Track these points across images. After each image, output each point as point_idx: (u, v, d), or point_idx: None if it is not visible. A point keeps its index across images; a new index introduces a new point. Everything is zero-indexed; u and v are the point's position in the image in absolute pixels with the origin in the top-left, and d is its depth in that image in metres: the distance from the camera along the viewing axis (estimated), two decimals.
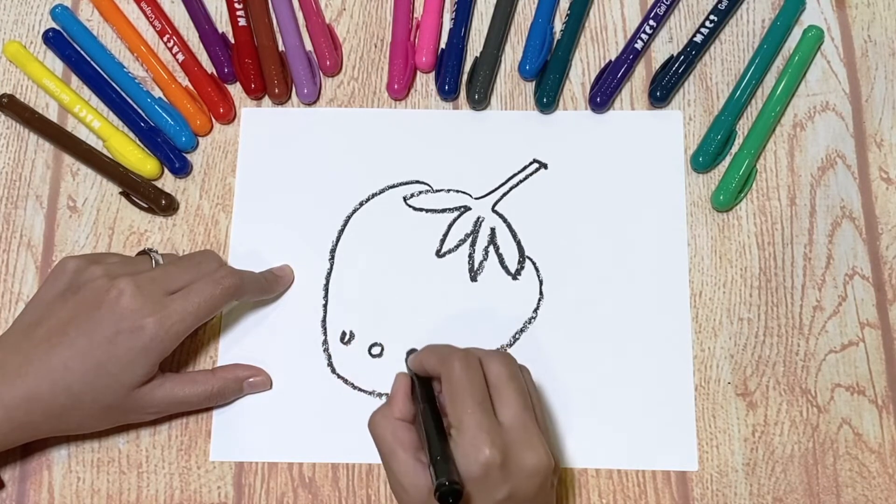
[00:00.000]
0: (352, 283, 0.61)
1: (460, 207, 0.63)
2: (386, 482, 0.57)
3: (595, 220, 0.62)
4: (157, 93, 0.65)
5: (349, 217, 0.63)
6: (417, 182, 0.63)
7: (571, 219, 0.62)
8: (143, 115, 0.64)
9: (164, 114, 0.64)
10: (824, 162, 0.63)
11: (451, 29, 0.66)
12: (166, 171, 0.64)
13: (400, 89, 0.65)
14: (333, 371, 0.59)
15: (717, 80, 0.65)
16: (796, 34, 0.66)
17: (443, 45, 0.66)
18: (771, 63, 0.65)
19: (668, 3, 0.66)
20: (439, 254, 0.62)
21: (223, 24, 0.67)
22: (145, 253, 0.58)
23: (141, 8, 0.67)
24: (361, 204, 0.63)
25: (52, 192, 0.63)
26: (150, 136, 0.64)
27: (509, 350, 0.59)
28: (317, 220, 0.62)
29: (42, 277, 0.61)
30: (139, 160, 0.63)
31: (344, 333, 0.60)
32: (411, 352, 0.57)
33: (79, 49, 0.66)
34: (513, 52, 0.66)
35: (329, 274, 0.61)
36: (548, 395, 0.58)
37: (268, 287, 0.59)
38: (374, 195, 0.63)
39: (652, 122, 0.64)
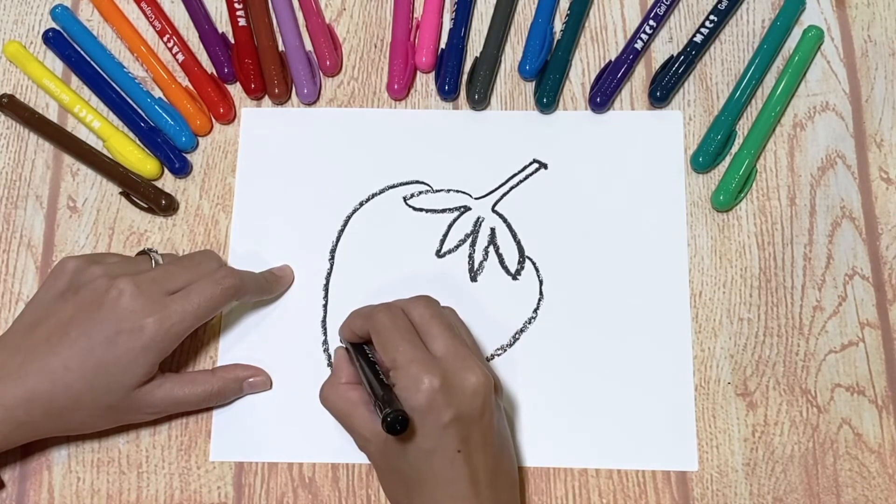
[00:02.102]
0: (352, 283, 0.61)
1: (460, 207, 0.63)
2: None
3: (595, 220, 0.62)
4: (157, 93, 0.65)
5: (349, 217, 0.63)
6: (417, 182, 0.63)
7: (571, 219, 0.62)
8: (143, 115, 0.64)
9: (164, 114, 0.64)
10: (824, 162, 0.63)
11: (451, 29, 0.66)
12: (166, 171, 0.64)
13: (400, 89, 0.65)
14: None
15: (717, 80, 0.65)
16: (796, 34, 0.66)
17: (443, 45, 0.66)
18: (771, 63, 0.65)
19: (668, 3, 0.66)
20: (439, 254, 0.62)
21: (223, 24, 0.67)
22: (145, 253, 0.58)
23: (141, 8, 0.67)
24: (361, 204, 0.63)
25: (52, 192, 0.63)
26: (150, 136, 0.64)
27: (509, 350, 0.59)
28: (317, 220, 0.62)
29: (42, 277, 0.61)
30: (139, 160, 0.63)
31: None
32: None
33: (79, 49, 0.66)
34: (513, 52, 0.66)
35: (329, 274, 0.61)
36: (548, 395, 0.58)
37: (268, 287, 0.59)
38: (374, 195, 0.63)
39: (652, 122, 0.64)
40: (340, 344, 0.58)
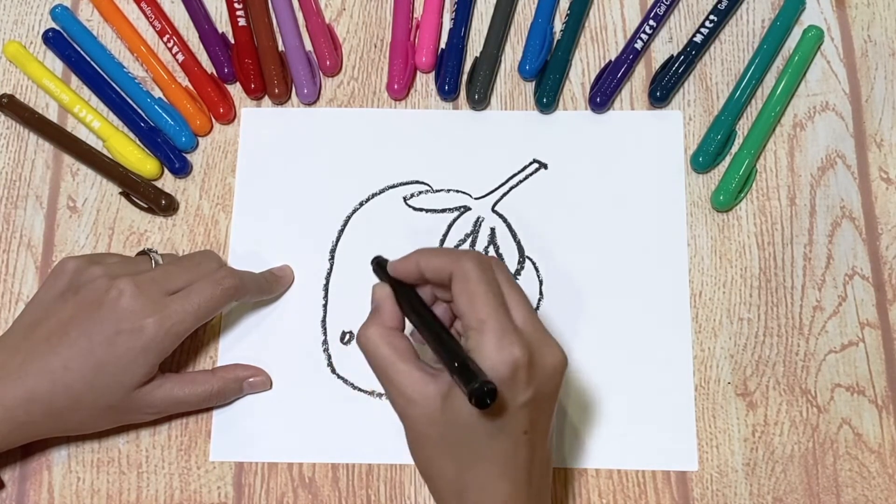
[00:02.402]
0: (352, 283, 0.61)
1: (460, 207, 0.63)
2: (386, 482, 0.57)
3: (595, 220, 0.62)
4: (157, 93, 0.65)
5: (349, 217, 0.63)
6: (417, 182, 0.63)
7: (571, 219, 0.62)
8: (143, 115, 0.64)
9: (164, 114, 0.64)
10: (824, 162, 0.63)
11: (451, 29, 0.66)
12: (166, 171, 0.64)
13: (400, 89, 0.65)
14: (333, 371, 0.59)
15: (717, 80, 0.65)
16: (796, 34, 0.66)
17: (443, 45, 0.66)
18: (771, 63, 0.65)
19: (668, 3, 0.66)
20: None
21: (223, 24, 0.67)
22: (145, 253, 0.58)
23: (141, 8, 0.67)
24: (361, 204, 0.63)
25: (52, 192, 0.63)
26: (150, 136, 0.64)
27: None
28: (317, 220, 0.62)
29: (42, 277, 0.61)
30: (139, 160, 0.63)
31: (344, 333, 0.60)
32: (379, 260, 0.51)
33: (79, 49, 0.66)
34: (513, 52, 0.66)
35: (329, 274, 0.61)
36: None
37: (268, 287, 0.59)
38: (374, 195, 0.63)
39: (652, 122, 0.64)
40: (378, 281, 0.50)
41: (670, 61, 0.65)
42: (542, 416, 0.47)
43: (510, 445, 0.46)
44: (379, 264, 0.51)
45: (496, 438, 0.45)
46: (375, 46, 0.67)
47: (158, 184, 0.63)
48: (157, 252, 0.57)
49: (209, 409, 0.58)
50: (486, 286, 0.46)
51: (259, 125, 0.65)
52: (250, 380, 0.58)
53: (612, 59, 0.65)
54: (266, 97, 0.66)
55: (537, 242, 0.62)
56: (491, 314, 0.45)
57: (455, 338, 0.46)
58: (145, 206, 0.62)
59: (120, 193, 0.63)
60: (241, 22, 0.66)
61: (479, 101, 0.64)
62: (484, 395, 0.42)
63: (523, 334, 0.45)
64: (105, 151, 0.64)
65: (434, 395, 0.45)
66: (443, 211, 0.63)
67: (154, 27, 0.67)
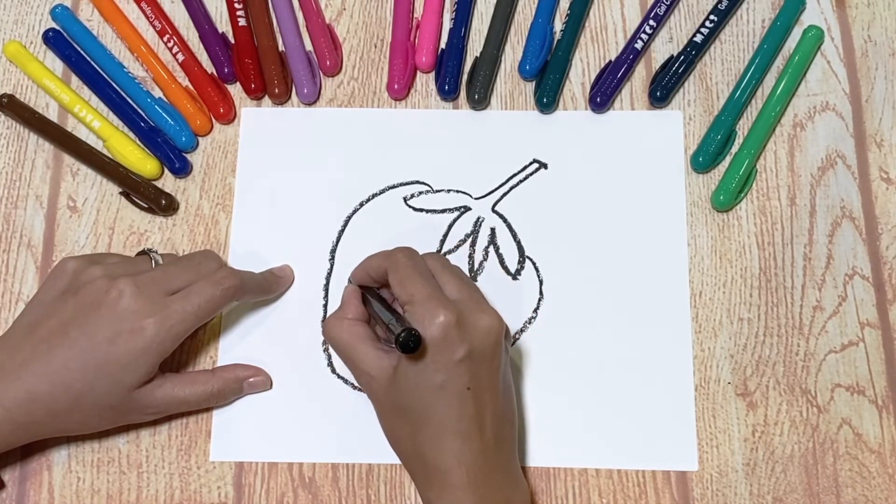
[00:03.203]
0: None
1: (460, 207, 0.63)
2: (386, 482, 0.57)
3: (595, 220, 0.62)
4: (157, 93, 0.65)
5: (349, 217, 0.63)
6: (417, 182, 0.63)
7: (571, 219, 0.62)
8: (143, 115, 0.64)
9: (164, 114, 0.64)
10: (824, 162, 0.63)
11: (451, 29, 0.66)
12: (166, 171, 0.64)
13: (400, 89, 0.65)
14: (333, 371, 0.59)
15: (717, 80, 0.65)
16: (796, 34, 0.66)
17: (443, 45, 0.66)
18: (771, 63, 0.65)
19: (668, 3, 0.66)
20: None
21: (223, 24, 0.67)
22: (145, 253, 0.58)
23: (141, 8, 0.67)
24: (361, 204, 0.63)
25: (52, 192, 0.63)
26: (150, 136, 0.64)
27: (509, 350, 0.59)
28: (317, 220, 0.62)
29: (42, 277, 0.61)
30: (139, 160, 0.63)
31: None
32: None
33: (79, 49, 0.66)
34: (513, 52, 0.66)
35: (329, 274, 0.61)
36: (548, 395, 0.58)
37: (268, 287, 0.59)
38: (374, 195, 0.63)
39: (652, 122, 0.64)
40: (349, 283, 0.58)
41: (670, 61, 0.65)
42: (483, 373, 0.51)
43: (455, 401, 0.50)
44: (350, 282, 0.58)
45: (440, 396, 0.50)
46: (375, 46, 0.67)
47: (158, 184, 0.63)
48: (157, 252, 0.57)
49: (209, 409, 0.58)
50: (413, 269, 0.53)
51: (259, 125, 0.65)
52: (250, 380, 0.58)
53: (613, 59, 0.65)
54: (266, 97, 0.66)
55: (537, 242, 0.62)
56: (418, 289, 0.51)
57: (397, 313, 0.52)
58: (145, 206, 0.62)
59: (120, 193, 0.63)
60: (242, 22, 0.66)
61: (479, 101, 0.64)
62: (407, 339, 0.48)
63: (453, 302, 0.51)
64: (105, 151, 0.64)
65: (387, 367, 0.51)
66: (443, 211, 0.63)
67: (154, 27, 0.67)
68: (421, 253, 0.56)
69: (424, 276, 0.53)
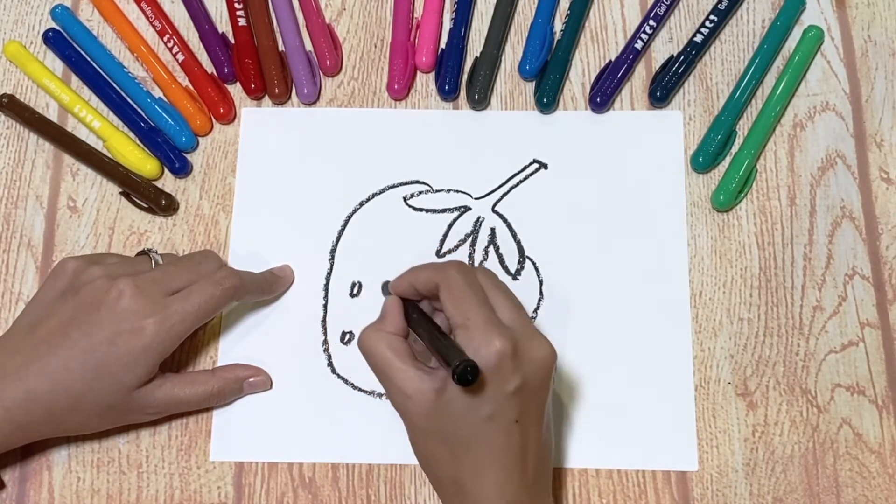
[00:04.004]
0: (352, 283, 0.61)
1: (460, 207, 0.63)
2: (386, 482, 0.57)
3: (595, 220, 0.62)
4: (157, 93, 0.65)
5: (349, 217, 0.63)
6: (417, 182, 0.63)
7: (571, 219, 0.62)
8: (143, 115, 0.64)
9: (164, 114, 0.64)
10: (824, 162, 0.63)
11: (451, 29, 0.66)
12: (166, 171, 0.64)
13: (400, 89, 0.65)
14: (333, 371, 0.59)
15: (717, 80, 0.65)
16: (796, 34, 0.66)
17: (443, 45, 0.66)
18: (771, 63, 0.65)
19: (668, 3, 0.66)
20: (439, 254, 0.62)
21: (223, 24, 0.67)
22: (145, 253, 0.58)
23: (141, 8, 0.67)
24: (361, 204, 0.63)
25: (52, 192, 0.63)
26: (150, 136, 0.64)
27: None
28: (317, 220, 0.62)
29: (42, 277, 0.61)
30: (139, 160, 0.63)
31: (344, 333, 0.60)
32: (386, 283, 0.57)
33: (79, 49, 0.66)
34: (513, 52, 0.66)
35: (329, 274, 0.61)
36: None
37: (268, 287, 0.59)
38: (374, 195, 0.63)
39: (652, 122, 0.64)
40: (388, 294, 0.55)
41: (670, 61, 0.65)
42: (532, 405, 0.49)
43: (502, 433, 0.48)
44: (386, 286, 0.57)
45: (488, 427, 0.48)
46: (375, 46, 0.67)
47: (158, 184, 0.63)
48: (157, 252, 0.57)
49: (209, 409, 0.58)
50: (468, 289, 0.50)
51: (259, 125, 0.65)
52: (250, 380, 0.58)
53: (613, 59, 0.65)
54: (266, 97, 0.66)
55: (537, 242, 0.62)
56: (473, 312, 0.49)
57: (448, 336, 0.49)
58: (145, 206, 0.62)
59: (120, 193, 0.63)
60: (242, 22, 0.66)
61: (479, 101, 0.64)
62: (465, 373, 0.45)
63: (508, 329, 0.49)
64: (105, 151, 0.64)
65: (428, 390, 0.48)
66: (443, 211, 0.63)
67: (154, 27, 0.67)
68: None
69: (479, 297, 0.50)
